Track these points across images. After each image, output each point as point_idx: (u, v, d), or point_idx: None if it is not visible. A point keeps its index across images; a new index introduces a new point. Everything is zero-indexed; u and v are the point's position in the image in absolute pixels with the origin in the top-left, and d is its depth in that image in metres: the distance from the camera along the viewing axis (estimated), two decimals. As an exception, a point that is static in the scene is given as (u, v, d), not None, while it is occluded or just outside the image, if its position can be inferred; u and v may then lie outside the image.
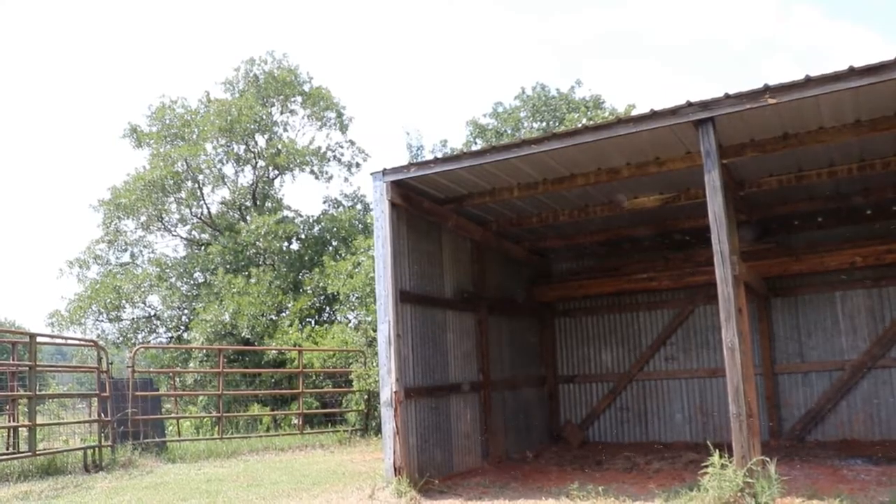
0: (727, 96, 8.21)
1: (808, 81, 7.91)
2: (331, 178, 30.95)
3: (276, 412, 20.28)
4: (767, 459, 7.82)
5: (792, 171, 10.93)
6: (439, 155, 9.85)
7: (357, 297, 22.16)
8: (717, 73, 72.29)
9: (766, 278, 13.06)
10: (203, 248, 28.39)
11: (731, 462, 7.77)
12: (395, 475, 9.53)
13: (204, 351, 23.17)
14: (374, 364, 16.84)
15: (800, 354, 13.94)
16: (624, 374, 15.24)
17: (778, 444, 12.88)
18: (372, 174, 10.30)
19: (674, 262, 13.84)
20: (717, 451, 7.82)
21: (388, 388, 9.82)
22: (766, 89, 8.07)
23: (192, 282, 28.10)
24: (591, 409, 15.52)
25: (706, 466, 7.82)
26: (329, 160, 30.94)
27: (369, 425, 18.09)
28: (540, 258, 15.45)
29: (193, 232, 30.49)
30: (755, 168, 10.81)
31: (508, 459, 12.95)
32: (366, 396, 18.11)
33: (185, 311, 27.50)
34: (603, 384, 15.51)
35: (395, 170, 10.09)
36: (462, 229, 12.25)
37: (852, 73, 7.78)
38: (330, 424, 18.91)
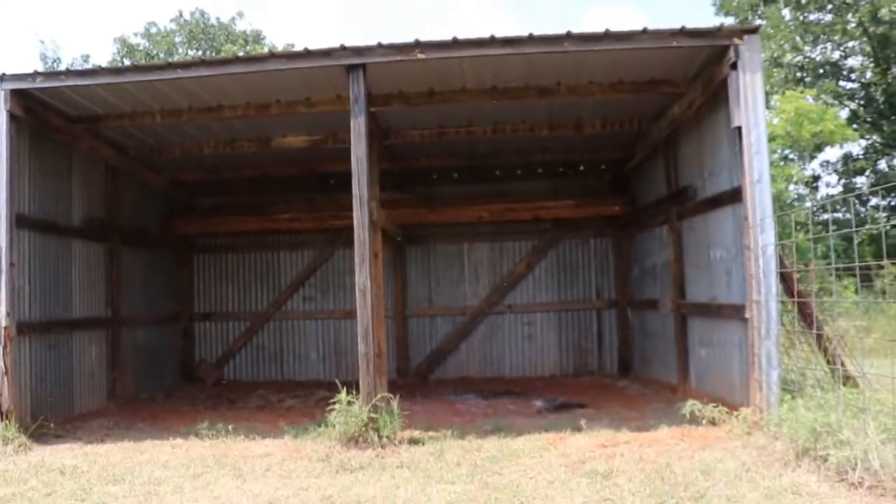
0: (380, 46, 8.42)
1: (456, 43, 8.42)
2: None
3: None
4: (391, 396, 8.28)
5: (434, 127, 11.55)
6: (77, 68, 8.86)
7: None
8: (385, 24, 74.10)
9: (403, 227, 13.69)
10: None
11: (357, 399, 8.09)
12: (2, 420, 8.57)
13: None
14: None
15: (429, 300, 14.96)
16: (262, 314, 15.22)
17: (404, 382, 13.73)
18: (-12, 78, 9.03)
19: (318, 204, 14.00)
20: (346, 388, 8.12)
21: (-4, 323, 8.77)
22: (417, 44, 8.41)
23: None
24: (227, 348, 15.32)
25: (335, 403, 8.06)
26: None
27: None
28: (182, 191, 14.68)
29: None
30: (401, 120, 11.26)
31: (138, 399, 12.36)
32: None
33: None
34: (240, 323, 15.36)
35: (17, 76, 8.91)
36: (96, 152, 11.24)
37: (493, 41, 8.42)
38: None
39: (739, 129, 8.16)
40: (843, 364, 8.23)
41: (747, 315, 8.10)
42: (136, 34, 30.24)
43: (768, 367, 7.75)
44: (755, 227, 8.00)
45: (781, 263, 8.37)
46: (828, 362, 8.36)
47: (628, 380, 13.26)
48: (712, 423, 8.21)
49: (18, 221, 9.14)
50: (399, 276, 14.77)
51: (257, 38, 29.60)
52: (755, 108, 8.13)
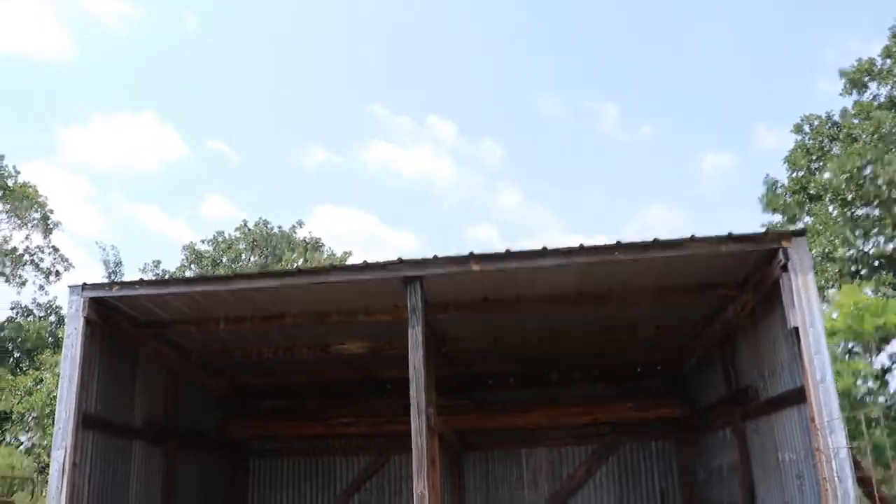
0: (436, 258, 8.74)
1: (509, 255, 8.71)
2: (24, 283, 28.31)
3: None
4: None
5: (489, 334, 11.69)
6: (147, 277, 9.35)
7: (34, 418, 20.02)
8: (427, 228, 77.63)
9: (460, 433, 13.54)
10: None
11: None
12: None
13: None
14: (45, 494, 15.06)
15: (487, 506, 14.50)
16: (317, 520, 14.88)
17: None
18: (70, 287, 9.57)
19: (374, 409, 14.03)
20: None
21: (54, 525, 8.76)
22: (472, 257, 8.71)
23: None
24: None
25: None
26: (25, 264, 28.36)
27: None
28: (240, 395, 14.85)
29: None
30: (457, 327, 11.43)
31: None
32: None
33: None
34: (296, 530, 14.99)
35: (95, 286, 9.44)
36: (160, 356, 11.60)
37: (546, 253, 8.66)
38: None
39: (797, 329, 8.08)
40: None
41: (824, 526, 7.68)
42: (203, 241, 31.89)
43: (852, 578, 7.25)
44: (824, 429, 7.73)
45: (857, 466, 8.01)
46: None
47: None
48: None
49: (84, 422, 9.35)
50: (456, 482, 14.43)
51: (316, 244, 30.98)
52: (810, 308, 8.09)
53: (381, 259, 8.82)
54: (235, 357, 12.41)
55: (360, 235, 68.81)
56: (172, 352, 11.94)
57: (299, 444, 15.19)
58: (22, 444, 21.53)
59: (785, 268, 8.28)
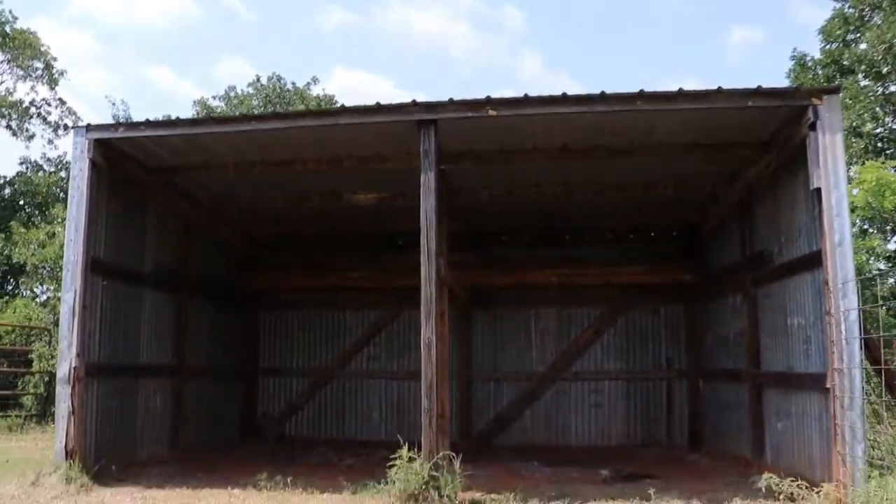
0: (451, 102, 8.49)
1: (527, 100, 8.45)
2: (32, 136, 27.90)
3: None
4: (454, 455, 8.06)
5: (503, 187, 11.50)
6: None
7: (48, 270, 20.20)
8: (444, 94, 76.17)
9: (471, 289, 13.55)
10: None
11: (419, 457, 7.91)
12: (67, 459, 8.65)
13: None
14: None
15: (494, 365, 14.71)
16: (326, 372, 15.16)
17: (466, 446, 13.34)
18: (73, 128, 9.45)
19: (385, 263, 14.02)
20: (408, 446, 7.93)
21: (67, 364, 8.91)
22: (489, 101, 8.45)
23: None
24: (289, 404, 15.27)
25: (397, 460, 7.89)
26: (32, 117, 27.96)
27: (47, 410, 16.06)
28: (252, 245, 14.89)
29: None
30: (470, 179, 11.24)
31: (198, 450, 12.32)
32: (46, 379, 16.42)
33: None
34: (304, 380, 15.31)
35: (100, 127, 9.27)
36: (170, 203, 11.52)
37: (565, 99, 8.37)
38: (1, 409, 16.88)
39: (819, 190, 7.86)
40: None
41: (828, 385, 7.69)
42: (214, 97, 31.39)
43: (852, 440, 7.29)
44: (837, 292, 7.65)
45: (865, 331, 7.95)
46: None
47: (699, 453, 12.71)
48: (790, 499, 7.71)
49: (93, 266, 9.36)
50: (464, 339, 14.57)
51: (330, 102, 30.35)
52: (835, 169, 7.85)
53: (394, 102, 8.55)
54: (246, 205, 12.35)
55: (375, 98, 67.75)
56: (182, 199, 11.85)
57: (310, 296, 15.31)
58: (37, 296, 21.80)
59: (813, 126, 7.99)
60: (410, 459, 7.85)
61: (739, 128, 9.21)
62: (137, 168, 10.38)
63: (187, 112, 32.45)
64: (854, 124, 23.53)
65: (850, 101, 23.73)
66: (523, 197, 11.64)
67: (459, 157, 9.84)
